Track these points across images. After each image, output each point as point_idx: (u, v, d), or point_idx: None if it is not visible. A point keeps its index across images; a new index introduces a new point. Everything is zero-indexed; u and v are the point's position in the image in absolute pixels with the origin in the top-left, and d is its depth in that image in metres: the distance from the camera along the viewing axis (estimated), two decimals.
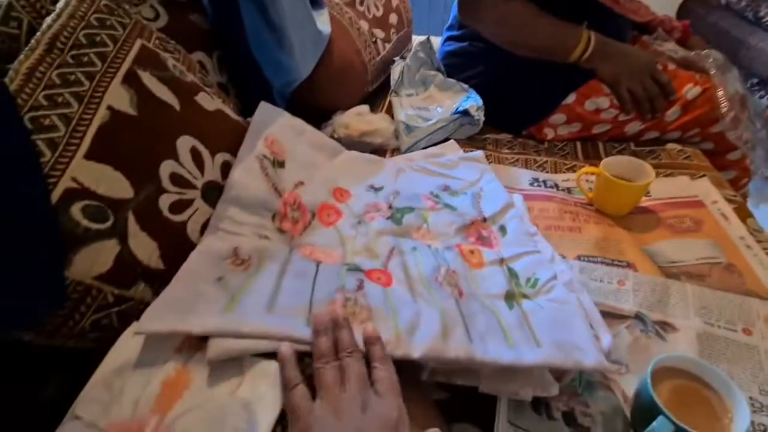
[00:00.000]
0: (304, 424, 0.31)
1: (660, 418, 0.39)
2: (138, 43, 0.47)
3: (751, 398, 0.45)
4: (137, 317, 0.38)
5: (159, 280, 0.40)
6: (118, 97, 0.41)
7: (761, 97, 0.90)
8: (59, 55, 0.40)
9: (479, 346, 0.40)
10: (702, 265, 0.59)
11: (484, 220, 0.60)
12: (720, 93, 0.75)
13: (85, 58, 0.41)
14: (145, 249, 0.40)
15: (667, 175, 0.77)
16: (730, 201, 0.69)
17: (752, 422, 0.43)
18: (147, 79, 0.45)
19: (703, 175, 0.75)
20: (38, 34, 0.41)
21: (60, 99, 0.38)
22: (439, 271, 0.49)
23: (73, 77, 0.40)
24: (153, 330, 0.35)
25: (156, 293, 0.40)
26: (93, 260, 0.35)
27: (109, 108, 0.40)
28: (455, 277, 0.49)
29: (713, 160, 0.82)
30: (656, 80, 0.79)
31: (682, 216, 0.67)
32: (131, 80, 0.43)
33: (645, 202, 0.71)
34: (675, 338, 0.51)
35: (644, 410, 0.41)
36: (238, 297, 0.41)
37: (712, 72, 0.78)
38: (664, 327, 0.52)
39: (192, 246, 0.45)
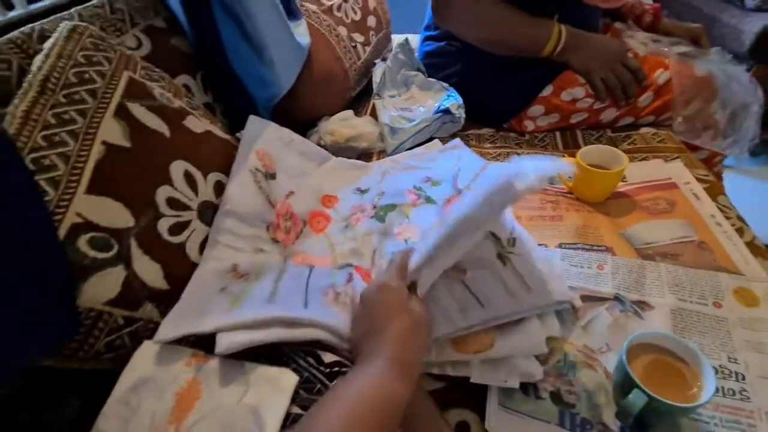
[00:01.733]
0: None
1: (635, 390, 0.42)
2: (125, 75, 0.49)
3: (720, 366, 0.49)
4: (147, 336, 0.42)
5: (164, 300, 0.43)
6: (111, 132, 0.44)
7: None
8: (52, 95, 0.43)
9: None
10: (676, 245, 0.63)
11: (459, 192, 0.63)
12: (676, 96, 0.78)
13: (77, 96, 0.44)
14: (149, 271, 0.43)
15: (642, 159, 0.80)
16: (701, 180, 0.72)
17: (722, 387, 0.47)
18: (137, 110, 0.47)
19: (677, 158, 0.78)
20: (29, 76, 0.44)
21: (57, 138, 0.40)
22: None
23: (67, 116, 0.42)
24: (170, 337, 0.40)
25: (162, 312, 0.43)
26: (102, 287, 0.38)
27: (104, 143, 0.43)
28: None
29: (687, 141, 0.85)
30: (627, 67, 0.82)
31: (657, 198, 0.70)
32: (122, 113, 0.46)
33: (622, 187, 0.74)
34: (651, 315, 0.54)
35: (622, 384, 0.45)
36: (241, 298, 0.46)
37: (673, 61, 0.81)
38: (641, 306, 0.56)
39: (192, 264, 0.48)
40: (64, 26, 0.48)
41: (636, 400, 0.42)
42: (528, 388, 0.48)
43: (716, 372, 0.48)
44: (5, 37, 0.49)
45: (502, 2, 0.82)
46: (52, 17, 0.54)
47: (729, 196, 0.71)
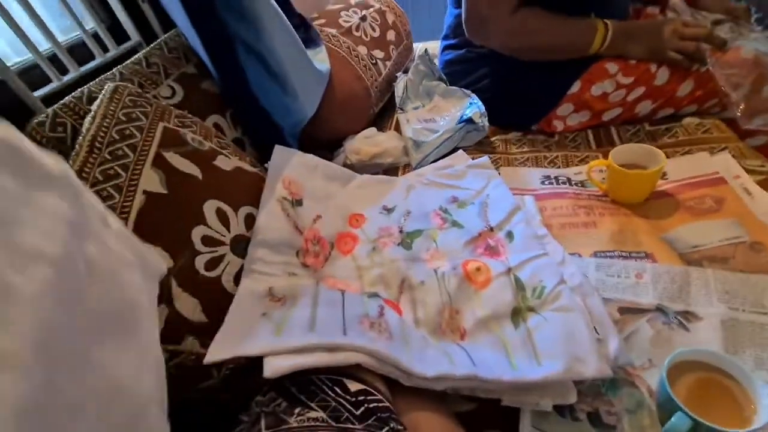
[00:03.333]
0: None
1: (678, 413, 0.40)
2: (160, 126, 0.54)
3: None
4: (191, 366, 0.45)
5: (204, 332, 0.47)
6: (150, 181, 0.48)
7: None
8: (99, 153, 0.48)
9: (482, 368, 0.43)
10: (725, 247, 0.58)
11: (491, 229, 0.63)
12: (721, 80, 0.71)
13: (120, 152, 0.49)
14: (189, 307, 0.47)
15: (685, 153, 0.75)
16: (754, 173, 0.66)
17: None
18: (171, 158, 0.52)
19: (724, 148, 0.72)
20: (80, 138, 0.49)
21: (105, 193, 0.45)
22: (442, 316, 0.52)
23: (112, 171, 0.47)
24: (219, 359, 0.43)
25: (202, 343, 0.46)
26: None
27: (145, 192, 0.47)
28: (457, 319, 0.52)
29: (739, 128, 0.78)
30: (687, 36, 0.76)
31: (703, 196, 0.65)
32: (159, 163, 0.50)
33: (663, 185, 0.70)
34: (698, 327, 0.51)
35: (665, 406, 0.43)
36: (283, 325, 0.49)
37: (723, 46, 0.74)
38: (687, 317, 0.52)
39: (228, 296, 0.51)
40: (107, 88, 0.54)
41: (680, 424, 0.39)
42: (564, 409, 0.47)
43: None
44: (60, 102, 0.56)
45: (537, 10, 0.80)
46: (98, 78, 0.61)
47: None
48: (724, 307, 0.51)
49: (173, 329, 0.44)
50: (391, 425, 0.38)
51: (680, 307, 0.53)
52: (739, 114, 0.72)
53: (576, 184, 0.76)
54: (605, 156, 0.69)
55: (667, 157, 0.66)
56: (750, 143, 0.78)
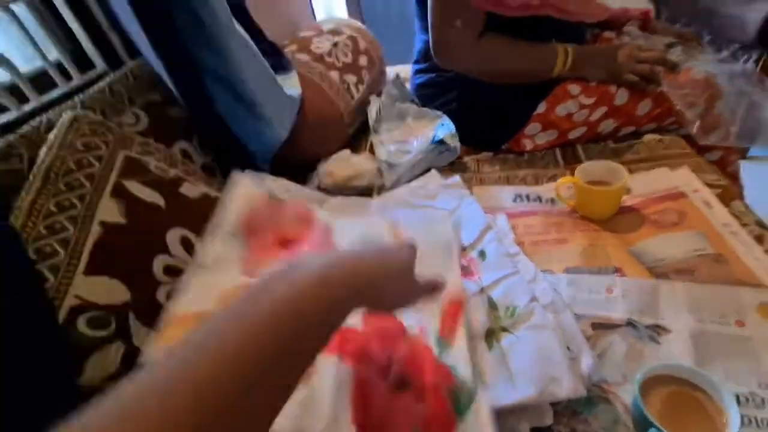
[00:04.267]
0: None
1: (651, 430, 0.39)
2: (121, 154, 0.53)
3: (751, 393, 0.45)
4: None
5: None
6: (108, 212, 0.47)
7: (745, 61, 0.89)
8: (54, 184, 0.46)
9: None
10: (690, 259, 0.59)
11: (464, 249, 0.63)
12: (675, 100, 0.76)
13: (76, 183, 0.47)
14: (149, 342, 0.44)
15: (648, 169, 0.77)
16: (713, 186, 0.69)
17: (754, 418, 0.43)
18: (132, 186, 0.51)
19: (683, 164, 0.75)
20: (35, 168, 0.48)
21: (58, 226, 0.43)
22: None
23: (67, 203, 0.45)
24: None
25: None
26: (101, 364, 0.40)
27: (101, 223, 0.46)
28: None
29: (697, 144, 0.82)
30: (642, 60, 0.80)
31: (666, 210, 0.67)
32: (119, 192, 0.49)
33: (628, 200, 0.71)
34: (668, 340, 0.51)
35: (639, 422, 0.42)
36: None
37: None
38: (657, 330, 0.52)
39: None
40: (65, 117, 0.53)
41: None
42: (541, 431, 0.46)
43: (747, 401, 0.44)
44: (17, 132, 0.54)
45: (501, 35, 0.83)
46: (58, 107, 0.60)
47: (749, 193, 0.67)
48: (692, 319, 0.52)
49: (131, 367, 0.42)
50: None
51: (650, 321, 0.53)
52: (695, 131, 0.75)
53: (546, 202, 0.77)
54: (573, 173, 0.71)
55: (631, 172, 0.68)
56: (707, 158, 0.81)
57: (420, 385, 0.41)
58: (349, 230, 0.60)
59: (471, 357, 0.44)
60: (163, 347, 0.41)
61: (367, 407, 0.39)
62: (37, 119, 0.56)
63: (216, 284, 0.47)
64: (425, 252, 0.55)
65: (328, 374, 0.40)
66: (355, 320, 0.46)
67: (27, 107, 0.64)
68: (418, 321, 0.48)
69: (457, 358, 0.44)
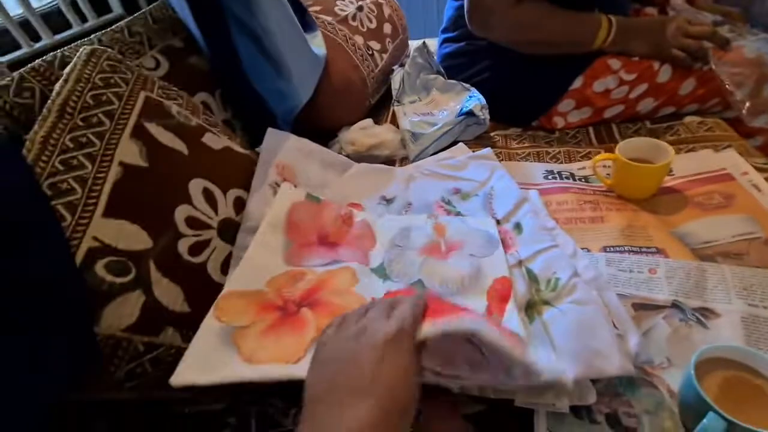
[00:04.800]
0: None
1: (710, 414, 0.37)
2: (142, 95, 0.49)
3: None
4: (170, 362, 0.40)
5: (186, 324, 0.42)
6: (128, 152, 0.43)
7: None
8: (70, 119, 0.42)
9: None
10: (739, 243, 0.56)
11: (498, 222, 0.59)
12: (725, 79, 0.71)
13: (94, 119, 0.43)
14: (170, 295, 0.41)
15: (689, 150, 0.73)
16: (761, 170, 0.65)
17: None
18: (154, 129, 0.47)
19: (729, 146, 0.71)
20: (49, 102, 0.44)
21: (74, 162, 0.40)
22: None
23: (84, 139, 0.42)
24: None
25: (184, 337, 0.41)
26: (120, 313, 0.37)
27: (121, 164, 0.42)
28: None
29: (738, 128, 0.78)
30: (691, 35, 0.75)
31: (711, 192, 0.64)
32: (139, 133, 0.45)
33: (669, 181, 0.68)
34: (717, 324, 0.48)
35: (692, 407, 0.39)
36: None
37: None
38: (705, 314, 0.50)
39: (214, 284, 0.46)
40: (83, 51, 0.48)
41: (713, 426, 0.36)
42: (581, 411, 0.43)
43: None
44: (29, 66, 0.50)
45: (542, 3, 0.78)
46: (73, 44, 0.55)
47: None
48: (743, 303, 0.49)
49: (150, 319, 0.39)
50: None
51: (697, 304, 0.50)
52: (744, 112, 0.71)
53: (580, 180, 0.73)
54: (607, 152, 0.67)
55: None
56: (750, 143, 0.77)
57: None
58: (390, 226, 0.59)
59: (521, 329, 0.42)
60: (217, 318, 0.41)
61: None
62: (51, 54, 0.52)
63: (265, 268, 0.48)
64: (468, 241, 0.53)
65: None
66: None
67: (39, 45, 0.60)
68: (463, 302, 0.46)
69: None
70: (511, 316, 0.44)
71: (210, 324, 0.41)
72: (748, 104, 0.70)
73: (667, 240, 0.59)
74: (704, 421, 0.37)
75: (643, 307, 0.51)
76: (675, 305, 0.51)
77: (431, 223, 0.59)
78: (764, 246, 0.55)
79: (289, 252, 0.52)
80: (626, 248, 0.59)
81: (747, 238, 0.56)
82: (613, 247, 0.59)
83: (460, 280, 0.49)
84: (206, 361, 0.37)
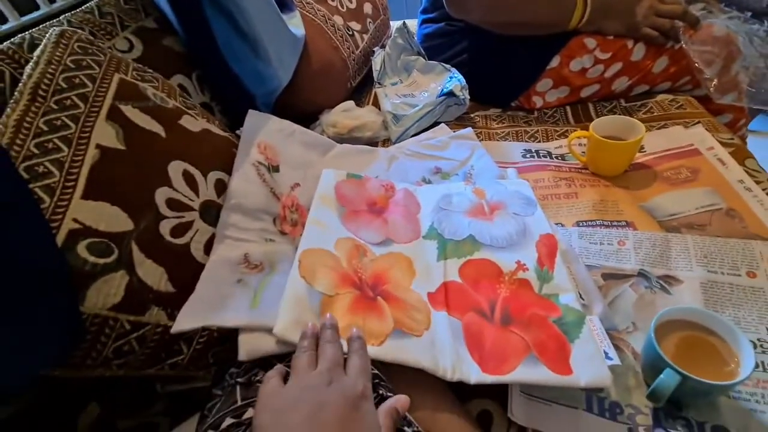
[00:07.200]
0: (265, 402, 0.31)
1: (667, 370, 0.40)
2: (116, 77, 0.48)
3: (759, 339, 0.46)
4: (156, 339, 0.41)
5: (171, 303, 0.42)
6: (104, 135, 0.43)
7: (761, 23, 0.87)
8: (43, 102, 0.42)
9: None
10: (702, 214, 0.59)
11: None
12: (694, 57, 0.73)
13: (68, 102, 0.43)
14: (154, 275, 0.42)
15: (660, 128, 0.76)
16: (726, 145, 0.68)
17: (761, 362, 0.44)
18: (130, 111, 0.46)
19: (698, 122, 0.74)
20: (20, 84, 0.43)
21: (50, 145, 0.40)
22: None
23: (59, 122, 0.41)
24: (189, 327, 0.40)
25: (169, 315, 0.42)
26: (105, 293, 0.38)
27: (98, 146, 0.42)
28: None
29: (708, 105, 0.81)
30: (662, 13, 0.77)
31: (679, 167, 0.67)
32: (115, 116, 0.45)
33: (640, 157, 0.71)
34: (680, 290, 0.51)
35: (652, 365, 0.42)
36: (260, 294, 0.46)
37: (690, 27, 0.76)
38: (668, 281, 0.53)
39: (198, 265, 0.47)
40: (52, 32, 0.47)
41: (668, 380, 0.39)
42: None
43: (755, 346, 0.45)
44: None
45: None
46: (42, 25, 0.54)
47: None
48: (703, 270, 0.52)
49: (135, 298, 0.40)
50: (380, 391, 0.36)
51: (661, 272, 0.53)
52: (712, 90, 0.73)
53: (556, 158, 0.76)
54: (584, 130, 0.69)
55: None
56: (719, 120, 0.80)
57: (524, 318, 0.45)
58: (432, 193, 0.63)
59: (571, 283, 0.47)
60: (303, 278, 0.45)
61: (481, 345, 0.43)
62: (19, 36, 0.51)
63: (331, 232, 0.53)
64: (508, 201, 0.58)
65: (442, 325, 0.44)
66: (453, 275, 0.50)
67: (5, 27, 0.58)
68: (515, 257, 0.51)
69: (558, 286, 0.48)
70: (560, 269, 0.49)
71: (297, 282, 0.44)
72: (715, 82, 0.73)
73: (636, 214, 0.61)
74: (661, 375, 0.40)
75: (612, 277, 0.54)
76: (641, 274, 0.54)
77: (470, 188, 0.62)
78: (725, 216, 0.58)
79: (344, 216, 0.57)
80: (598, 222, 0.61)
81: (709, 209, 0.59)
82: (585, 221, 0.62)
83: (509, 236, 0.53)
84: (298, 323, 0.40)
